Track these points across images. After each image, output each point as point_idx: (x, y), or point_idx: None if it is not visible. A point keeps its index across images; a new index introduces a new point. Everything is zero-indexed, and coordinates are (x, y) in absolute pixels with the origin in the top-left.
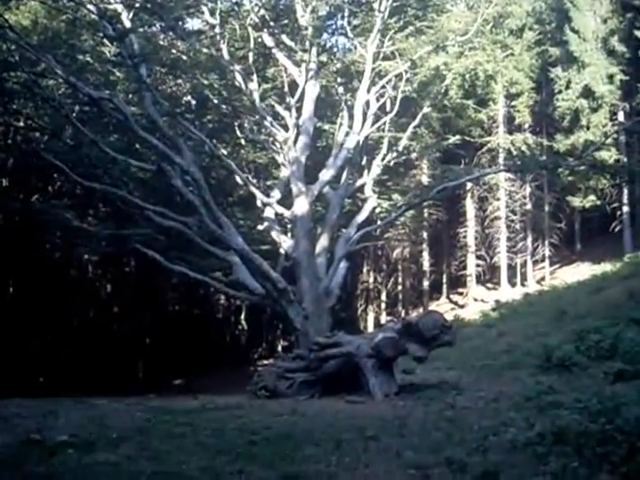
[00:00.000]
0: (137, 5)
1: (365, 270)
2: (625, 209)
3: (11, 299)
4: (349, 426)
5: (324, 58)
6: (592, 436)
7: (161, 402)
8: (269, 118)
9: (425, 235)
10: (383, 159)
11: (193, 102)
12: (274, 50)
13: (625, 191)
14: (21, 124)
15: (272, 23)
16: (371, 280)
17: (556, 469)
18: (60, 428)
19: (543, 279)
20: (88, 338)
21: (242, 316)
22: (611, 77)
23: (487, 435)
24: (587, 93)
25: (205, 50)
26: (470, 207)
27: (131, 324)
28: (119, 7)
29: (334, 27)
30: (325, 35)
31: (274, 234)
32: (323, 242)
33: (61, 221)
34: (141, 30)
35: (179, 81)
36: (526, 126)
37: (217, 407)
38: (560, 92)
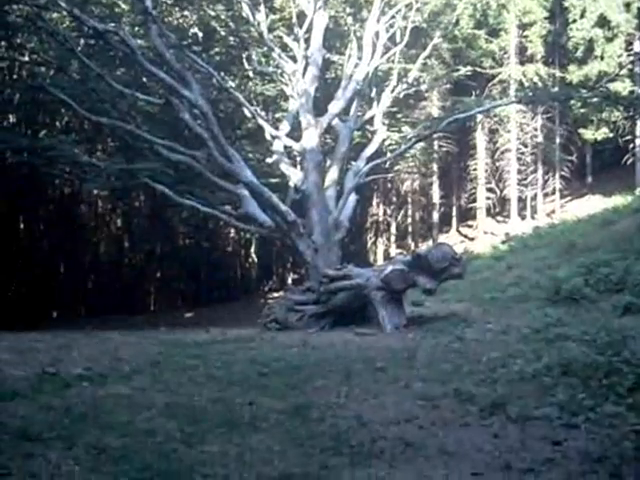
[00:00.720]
0: None
1: (375, 203)
2: (638, 142)
3: (22, 235)
4: (358, 358)
5: None
6: (599, 368)
7: (173, 335)
8: (277, 50)
9: (435, 168)
10: (393, 91)
11: (200, 34)
12: None
13: (638, 123)
14: (26, 59)
15: None
16: (380, 213)
17: (563, 400)
18: (74, 361)
19: (553, 212)
20: (99, 271)
21: (252, 249)
22: (628, 5)
23: (495, 367)
24: (602, 22)
25: None
26: (480, 139)
27: (141, 258)
28: None
29: None
30: None
31: (283, 167)
32: (332, 175)
33: (69, 156)
34: None
35: (185, 13)
36: (538, 57)
37: (228, 340)
38: (574, 21)
